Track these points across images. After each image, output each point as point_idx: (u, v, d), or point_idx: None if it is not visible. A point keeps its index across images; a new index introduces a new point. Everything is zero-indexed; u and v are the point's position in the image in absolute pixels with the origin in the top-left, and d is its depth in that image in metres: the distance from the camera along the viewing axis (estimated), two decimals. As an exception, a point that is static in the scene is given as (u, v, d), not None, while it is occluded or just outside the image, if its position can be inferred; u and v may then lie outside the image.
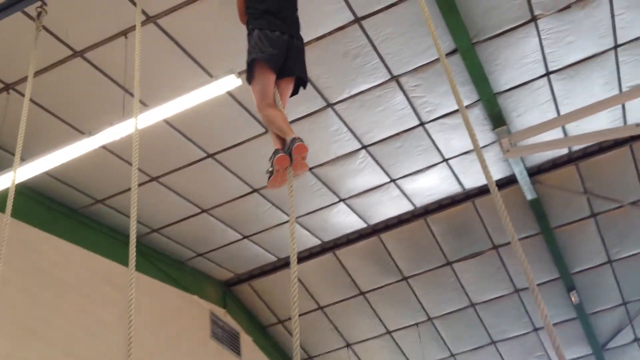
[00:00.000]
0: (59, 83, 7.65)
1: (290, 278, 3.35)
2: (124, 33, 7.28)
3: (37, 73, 7.36)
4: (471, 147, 9.92)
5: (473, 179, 10.75)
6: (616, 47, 8.68)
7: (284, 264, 12.24)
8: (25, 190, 8.69)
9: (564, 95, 9.36)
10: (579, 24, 8.25)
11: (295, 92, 4.52)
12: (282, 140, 4.07)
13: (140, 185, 9.46)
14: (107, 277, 9.80)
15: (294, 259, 3.39)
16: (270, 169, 3.95)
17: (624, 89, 9.34)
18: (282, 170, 3.91)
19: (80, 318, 9.01)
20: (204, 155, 9.34)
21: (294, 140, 3.90)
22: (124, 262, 10.17)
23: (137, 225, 10.83)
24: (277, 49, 4.24)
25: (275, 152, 3.97)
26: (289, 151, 3.88)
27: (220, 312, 12.13)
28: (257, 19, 4.42)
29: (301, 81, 4.51)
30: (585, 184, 11.04)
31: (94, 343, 9.00)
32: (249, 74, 4.31)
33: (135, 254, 3.90)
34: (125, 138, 7.21)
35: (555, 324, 12.85)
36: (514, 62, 8.72)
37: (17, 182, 4.68)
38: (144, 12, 7.07)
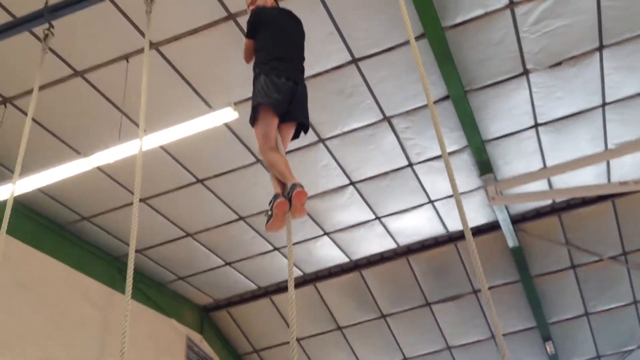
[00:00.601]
0: (57, 101, 7.73)
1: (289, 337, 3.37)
2: (126, 57, 7.41)
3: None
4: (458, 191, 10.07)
5: (457, 221, 10.88)
6: (604, 105, 8.91)
7: (263, 292, 12.28)
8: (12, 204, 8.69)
9: (550, 147, 9.55)
10: (569, 80, 8.48)
11: (296, 136, 4.59)
12: (283, 184, 4.12)
13: (125, 206, 9.56)
14: (86, 294, 9.80)
15: (292, 317, 3.33)
16: (270, 213, 3.98)
17: (609, 146, 9.55)
18: (281, 215, 3.94)
19: (56, 334, 8.98)
20: (194, 180, 9.43)
21: (294, 186, 3.96)
22: (104, 280, 10.24)
23: (120, 245, 10.77)
24: (282, 94, 4.32)
25: (276, 196, 4.01)
26: (289, 196, 3.93)
27: (197, 337, 12.10)
28: (265, 63, 4.49)
29: (302, 126, 4.58)
30: (567, 235, 11.20)
31: (68, 360, 8.96)
32: (253, 117, 4.37)
33: (131, 285, 3.93)
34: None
35: (529, 373, 12.94)
36: (504, 112, 8.92)
37: (7, 196, 4.71)
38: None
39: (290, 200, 3.91)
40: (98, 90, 7.78)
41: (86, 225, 9.98)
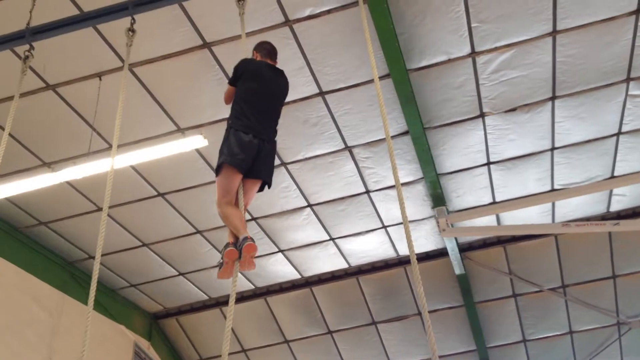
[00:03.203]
0: (27, 111, 7.77)
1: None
2: (99, 75, 7.53)
3: (6, 99, 7.54)
4: (410, 218, 10.46)
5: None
6: (553, 149, 9.41)
7: (214, 303, 12.45)
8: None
9: (501, 184, 10.02)
10: (522, 125, 8.95)
11: (260, 189, 4.76)
12: (236, 236, 4.32)
13: (86, 213, 9.65)
14: (37, 297, 9.82)
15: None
16: (221, 261, 4.21)
17: (555, 187, 10.07)
18: (231, 263, 4.16)
19: (4, 335, 8.99)
20: (155, 193, 9.56)
21: (245, 239, 4.17)
22: (56, 284, 10.28)
23: (73, 250, 10.81)
24: (246, 153, 4.47)
25: (226, 245, 4.24)
26: (240, 248, 4.15)
27: (145, 344, 12.19)
28: (237, 118, 4.61)
29: (266, 182, 4.73)
30: (511, 265, 11.70)
31: (16, 363, 8.98)
32: (217, 171, 4.54)
33: (94, 297, 4.16)
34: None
35: (466, 395, 13.43)
36: (460, 149, 9.33)
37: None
38: (120, 59, 7.35)
39: (240, 252, 4.12)
40: (69, 105, 7.87)
41: (42, 230, 10.01)
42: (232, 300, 3.89)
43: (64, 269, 10.63)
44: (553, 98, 8.56)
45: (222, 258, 4.22)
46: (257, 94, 4.74)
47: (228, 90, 4.95)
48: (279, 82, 5.00)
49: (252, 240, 4.19)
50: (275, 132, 4.83)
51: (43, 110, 7.88)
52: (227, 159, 4.45)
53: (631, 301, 11.90)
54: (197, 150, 8.75)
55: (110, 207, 9.67)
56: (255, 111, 4.65)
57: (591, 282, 11.71)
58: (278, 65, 5.16)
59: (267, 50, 5.19)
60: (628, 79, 8.38)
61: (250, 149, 4.50)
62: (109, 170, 4.81)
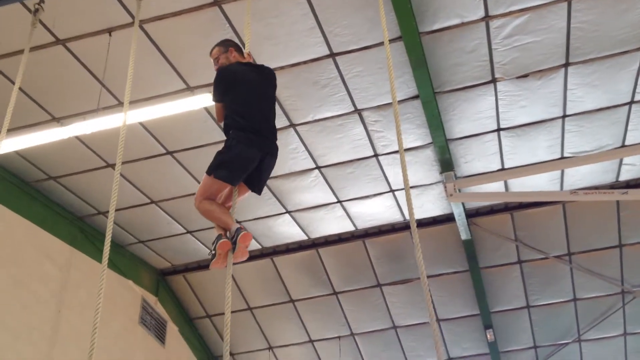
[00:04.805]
0: (36, 66, 7.76)
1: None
2: (109, 30, 7.51)
3: (16, 52, 7.54)
4: (418, 183, 10.49)
5: (415, 211, 11.26)
6: (564, 116, 9.34)
7: (221, 262, 12.54)
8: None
9: (510, 151, 9.98)
10: (534, 91, 8.87)
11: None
12: (224, 228, 4.28)
13: (95, 169, 9.71)
14: (48, 252, 9.94)
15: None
16: (213, 252, 4.16)
17: (565, 155, 10.02)
18: (224, 254, 4.13)
19: (14, 289, 9.12)
20: (164, 151, 9.60)
21: (239, 229, 4.14)
22: (67, 239, 10.40)
23: (84, 205, 10.91)
24: (246, 168, 4.39)
25: (219, 237, 4.19)
26: (234, 240, 4.11)
27: (152, 299, 12.37)
28: (240, 130, 4.41)
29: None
30: (517, 232, 11.72)
31: (25, 316, 9.13)
32: (208, 173, 4.41)
33: (108, 257, 4.24)
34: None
35: (467, 357, 13.60)
36: (470, 115, 9.28)
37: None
38: (130, 15, 7.31)
39: (235, 243, 4.10)
40: (79, 60, 7.86)
41: (52, 185, 10.09)
42: (228, 288, 3.91)
43: (73, 224, 10.74)
44: (566, 65, 8.47)
45: (214, 249, 4.16)
46: (249, 101, 4.54)
47: (217, 108, 4.71)
48: (265, 79, 4.81)
49: (245, 229, 4.17)
50: (276, 136, 4.66)
51: (53, 65, 7.88)
52: (224, 177, 4.34)
53: (636, 270, 11.93)
54: (206, 109, 8.75)
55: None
56: (253, 120, 4.46)
57: (597, 250, 11.73)
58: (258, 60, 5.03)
59: (237, 45, 4.97)
60: (643, 47, 8.28)
61: (251, 164, 4.41)
62: (121, 126, 4.79)
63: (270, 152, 4.51)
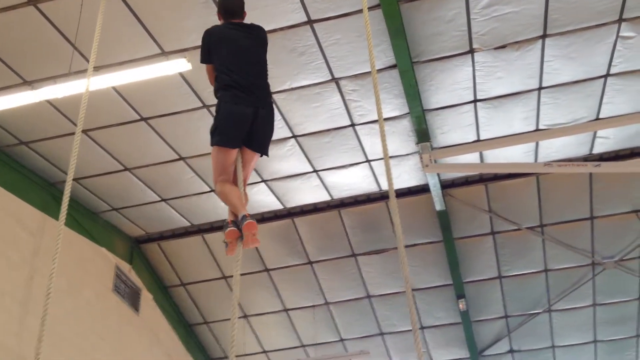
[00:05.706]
0: (7, 28, 7.58)
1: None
2: (81, -9, 7.32)
3: (-16, 13, 7.34)
4: (394, 153, 10.48)
5: (390, 181, 11.28)
6: (540, 88, 9.38)
7: (196, 230, 12.52)
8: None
9: (486, 122, 10.01)
10: (511, 62, 8.88)
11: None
12: (235, 214, 4.25)
13: (67, 135, 9.55)
14: (19, 217, 9.81)
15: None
16: (225, 241, 4.17)
17: (540, 127, 10.08)
18: (234, 241, 4.12)
19: (-16, 255, 9.02)
20: (138, 118, 9.46)
21: (244, 217, 4.09)
22: (38, 205, 10.27)
23: (55, 171, 10.76)
24: (239, 127, 4.35)
25: (226, 225, 4.18)
26: (240, 227, 4.08)
27: (126, 267, 12.31)
28: (224, 90, 4.44)
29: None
30: (491, 203, 11.82)
31: (-4, 281, 9.04)
32: (212, 145, 4.41)
33: (66, 211, 4.18)
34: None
35: (439, 326, 13.78)
36: (447, 86, 9.27)
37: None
38: (104, -24, 7.13)
39: (240, 230, 4.07)
40: (51, 22, 7.66)
41: (23, 150, 9.92)
42: (236, 275, 3.89)
43: (45, 190, 10.59)
44: (544, 36, 8.47)
45: (225, 239, 4.17)
46: (233, 59, 4.54)
47: (207, 70, 4.76)
48: (251, 36, 4.75)
49: (251, 217, 4.11)
50: (269, 92, 4.66)
51: (24, 27, 7.68)
52: (219, 141, 4.34)
53: (607, 242, 12.14)
54: (181, 75, 8.62)
55: (92, 130, 9.63)
56: (238, 77, 4.46)
57: (569, 222, 11.89)
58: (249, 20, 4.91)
59: (225, 10, 4.88)
60: (620, 20, 8.29)
61: (243, 121, 4.37)
62: (85, 89, 4.73)
63: (261, 106, 4.47)
